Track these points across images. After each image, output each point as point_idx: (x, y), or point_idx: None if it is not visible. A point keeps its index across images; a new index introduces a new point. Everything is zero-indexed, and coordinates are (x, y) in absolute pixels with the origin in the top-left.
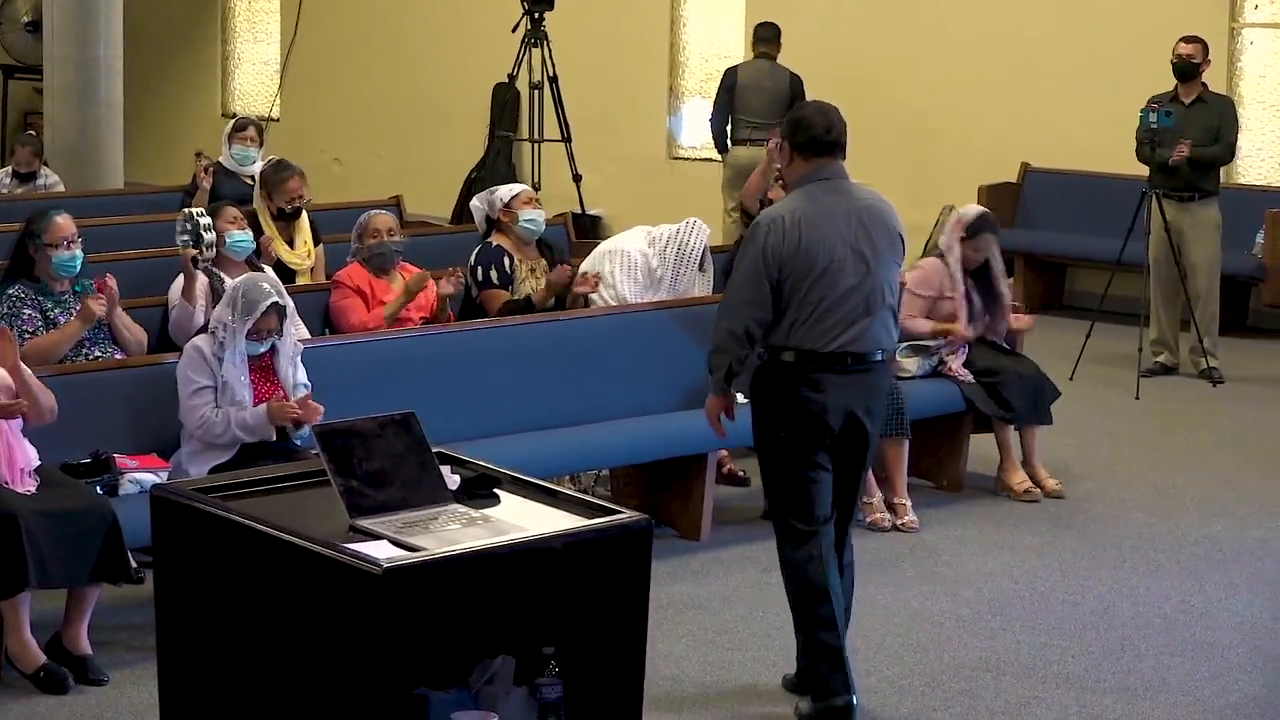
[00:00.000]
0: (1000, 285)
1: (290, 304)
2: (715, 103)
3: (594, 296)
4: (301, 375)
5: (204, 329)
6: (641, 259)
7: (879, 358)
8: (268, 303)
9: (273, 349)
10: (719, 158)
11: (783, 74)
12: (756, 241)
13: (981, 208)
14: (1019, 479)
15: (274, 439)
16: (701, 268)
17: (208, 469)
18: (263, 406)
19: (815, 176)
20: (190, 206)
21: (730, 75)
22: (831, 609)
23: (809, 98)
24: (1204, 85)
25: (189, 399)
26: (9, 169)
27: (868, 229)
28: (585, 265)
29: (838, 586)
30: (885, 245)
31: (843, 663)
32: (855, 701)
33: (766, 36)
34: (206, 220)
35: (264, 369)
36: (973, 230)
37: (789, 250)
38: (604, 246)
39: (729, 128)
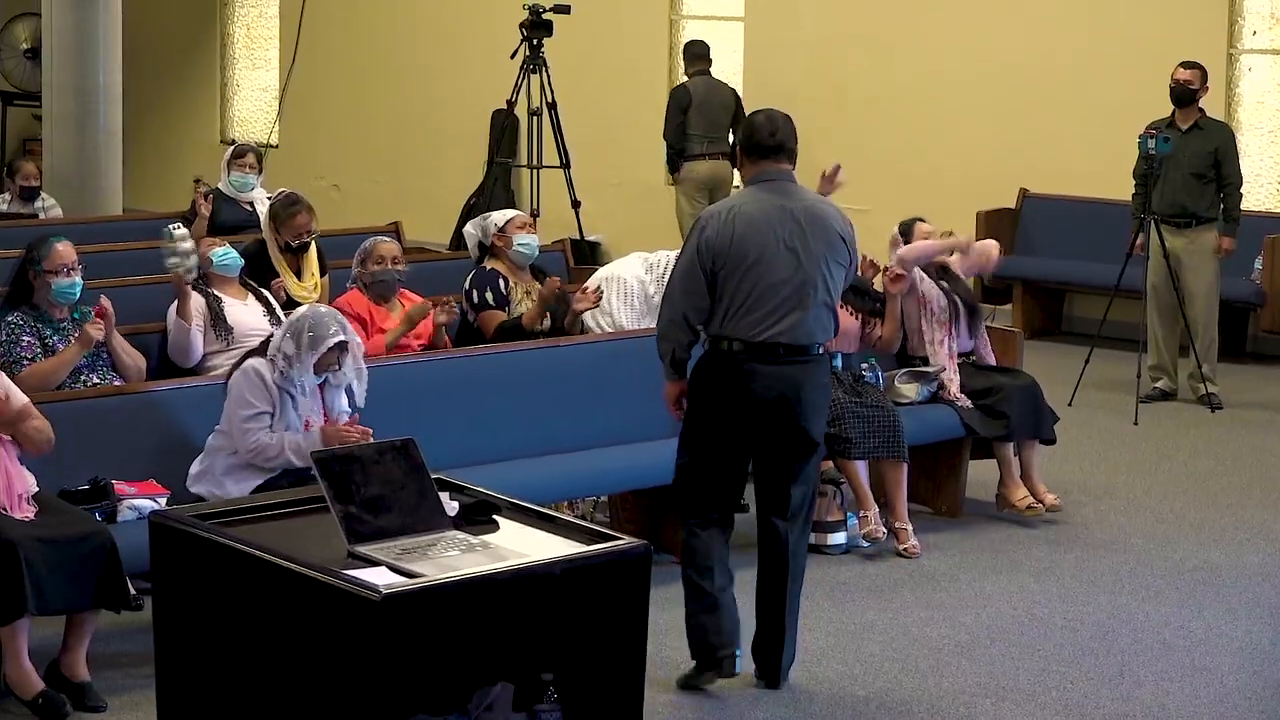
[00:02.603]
0: (960, 278)
1: (358, 341)
2: (670, 121)
3: (591, 323)
4: (343, 402)
5: (260, 351)
6: (639, 286)
7: (813, 351)
8: (334, 341)
9: (325, 381)
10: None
11: (725, 88)
12: (695, 234)
13: None
14: (1020, 494)
15: None
16: None
17: (252, 488)
18: (316, 431)
19: (760, 177)
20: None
21: (684, 93)
22: (713, 597)
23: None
24: (1201, 111)
25: (245, 421)
26: (5, 195)
27: (803, 227)
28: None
29: (724, 570)
30: (821, 245)
31: (720, 644)
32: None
33: (702, 53)
34: (181, 231)
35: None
36: (903, 230)
37: (722, 243)
38: (601, 273)
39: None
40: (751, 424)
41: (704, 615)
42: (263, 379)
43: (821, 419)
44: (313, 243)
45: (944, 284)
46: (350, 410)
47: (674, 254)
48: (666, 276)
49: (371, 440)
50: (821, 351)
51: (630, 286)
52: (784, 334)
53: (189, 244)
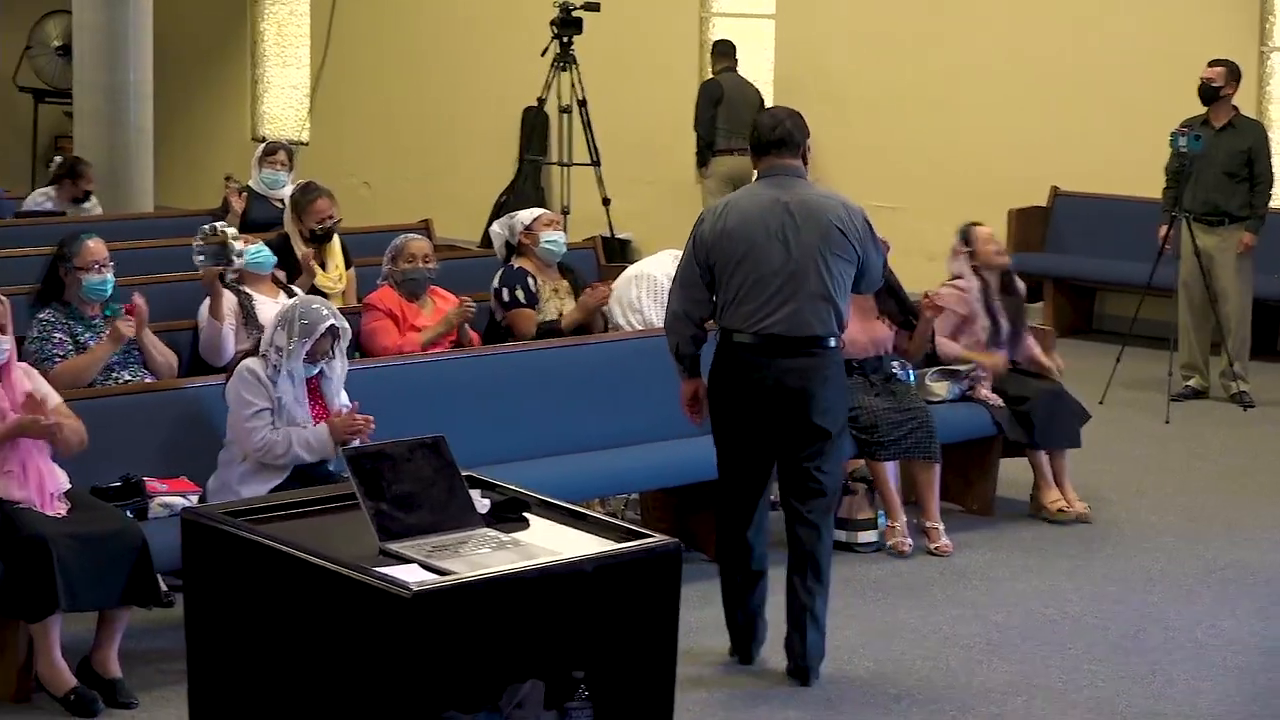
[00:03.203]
0: (1021, 306)
1: (346, 326)
2: (702, 115)
3: (621, 320)
4: (344, 398)
5: (254, 351)
6: (668, 282)
7: (819, 344)
8: (326, 325)
9: (320, 373)
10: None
11: (750, 86)
12: (693, 230)
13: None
14: (1053, 498)
15: (334, 457)
16: None
17: (267, 490)
18: (323, 425)
19: (766, 173)
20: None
21: (716, 88)
22: (739, 578)
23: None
24: (1235, 109)
25: (247, 421)
26: (47, 191)
27: (795, 219)
28: (614, 289)
29: (761, 561)
30: (813, 236)
31: (737, 629)
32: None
33: (728, 52)
34: (232, 230)
35: (311, 391)
36: (964, 236)
37: (714, 236)
38: (630, 271)
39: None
40: (760, 415)
41: (728, 607)
42: (257, 376)
43: (835, 410)
44: (335, 234)
45: (999, 303)
46: (348, 404)
47: None
48: None
49: (374, 427)
50: (835, 344)
51: (659, 283)
52: (778, 325)
53: (239, 244)
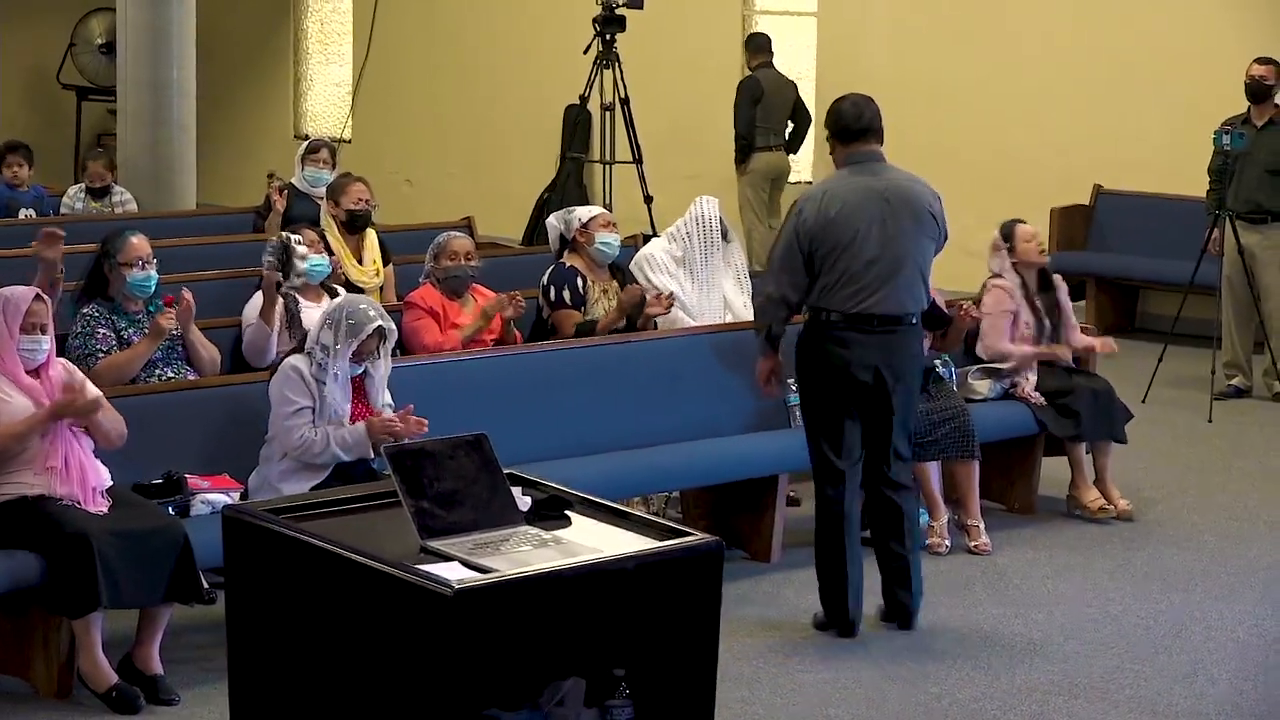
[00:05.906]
0: (1063, 296)
1: (393, 327)
2: (743, 113)
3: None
4: (387, 397)
5: (298, 350)
6: (664, 254)
7: (904, 320)
8: (373, 327)
9: (365, 372)
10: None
11: (788, 81)
12: (793, 218)
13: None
14: (1092, 496)
15: (373, 457)
16: (726, 238)
17: (307, 488)
18: (361, 424)
19: (851, 160)
20: (262, 228)
21: (756, 85)
22: (845, 546)
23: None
24: (1277, 107)
25: (287, 419)
26: (81, 185)
27: (892, 205)
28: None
29: (856, 524)
30: (908, 221)
31: (844, 598)
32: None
33: (765, 45)
34: (303, 250)
35: (354, 390)
36: (1005, 233)
37: (819, 225)
38: (634, 264)
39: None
40: (851, 388)
41: (828, 578)
42: (300, 374)
43: (914, 375)
44: (373, 229)
45: (1038, 301)
46: (393, 404)
47: (686, 219)
48: (690, 231)
49: (425, 430)
50: (915, 321)
51: (657, 258)
52: (876, 306)
53: (306, 264)
